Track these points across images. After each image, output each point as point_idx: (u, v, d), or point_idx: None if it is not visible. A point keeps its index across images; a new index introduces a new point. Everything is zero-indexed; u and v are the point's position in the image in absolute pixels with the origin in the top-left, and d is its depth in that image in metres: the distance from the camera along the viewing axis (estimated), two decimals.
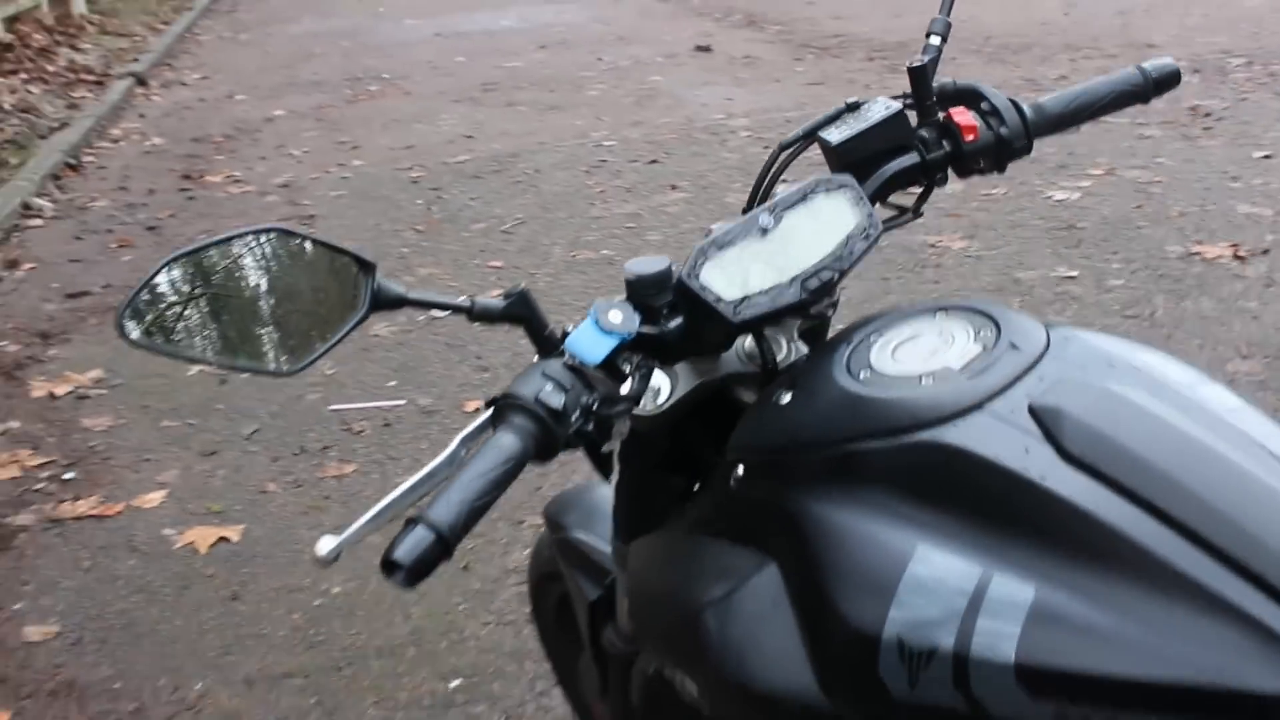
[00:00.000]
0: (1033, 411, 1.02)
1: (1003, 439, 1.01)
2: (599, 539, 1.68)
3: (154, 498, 3.30)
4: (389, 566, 0.94)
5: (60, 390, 3.95)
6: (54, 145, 6.41)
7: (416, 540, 0.95)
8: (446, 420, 3.48)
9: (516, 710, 2.43)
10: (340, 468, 3.33)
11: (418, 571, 0.95)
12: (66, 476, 3.45)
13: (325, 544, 0.99)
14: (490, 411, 1.07)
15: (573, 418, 1.05)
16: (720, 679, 1.12)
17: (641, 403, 1.24)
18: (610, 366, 1.12)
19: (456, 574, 2.84)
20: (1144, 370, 1.08)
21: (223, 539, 3.08)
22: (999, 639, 0.94)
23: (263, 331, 1.22)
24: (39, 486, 3.42)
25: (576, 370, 1.08)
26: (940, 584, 0.97)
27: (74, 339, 4.34)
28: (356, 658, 2.63)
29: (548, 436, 1.04)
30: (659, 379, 1.25)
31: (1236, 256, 4.24)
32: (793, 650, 1.06)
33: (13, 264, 5.10)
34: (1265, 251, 4.26)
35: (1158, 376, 1.07)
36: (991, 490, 0.99)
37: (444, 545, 0.96)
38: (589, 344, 1.10)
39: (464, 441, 1.07)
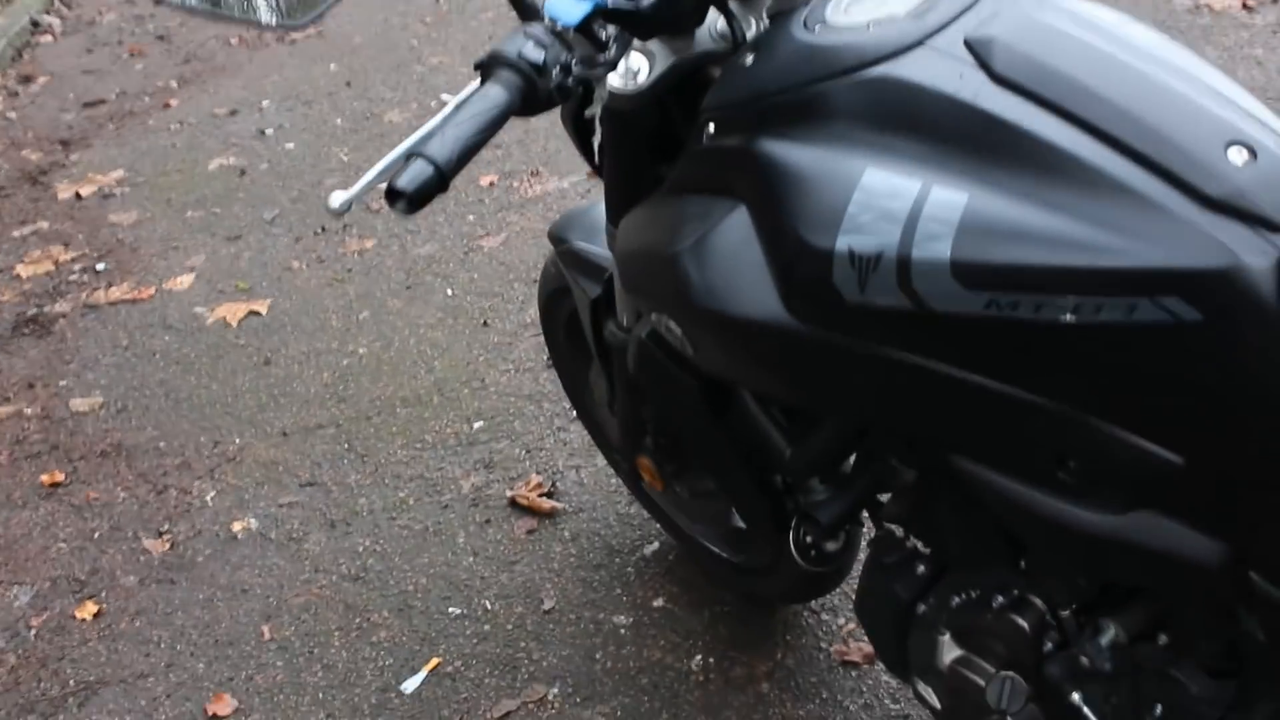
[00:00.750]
0: (968, 44, 1.11)
1: (940, 68, 1.10)
2: (599, 247, 1.78)
3: (183, 280, 3.42)
4: (393, 195, 1.05)
5: (85, 191, 4.05)
6: None
7: (417, 172, 1.06)
8: (463, 194, 3.55)
9: (536, 444, 2.57)
10: (361, 243, 3.43)
11: (418, 199, 1.06)
12: (99, 267, 3.57)
13: (336, 197, 1.11)
14: (479, 73, 1.16)
15: (553, 73, 1.14)
16: (699, 312, 1.23)
17: (623, 82, 1.32)
18: (588, 32, 1.20)
19: (477, 330, 2.97)
20: (1073, 9, 1.16)
21: (252, 312, 3.21)
22: (936, 240, 1.03)
23: None
24: (73, 278, 3.55)
25: (556, 32, 1.17)
26: (885, 198, 1.06)
27: (94, 144, 4.42)
28: (384, 408, 2.77)
29: (530, 88, 1.13)
30: (638, 60, 1.33)
31: (1245, 6, 4.20)
32: (760, 278, 1.16)
33: (28, 79, 5.15)
34: (1276, 0, 4.22)
35: (1086, 13, 1.15)
36: (930, 113, 1.08)
37: (440, 177, 1.07)
38: (566, 7, 1.18)
39: (458, 105, 1.16)
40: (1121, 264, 0.97)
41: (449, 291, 3.15)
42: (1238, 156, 0.99)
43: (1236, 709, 1.17)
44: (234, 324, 3.18)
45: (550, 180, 3.57)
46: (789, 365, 1.20)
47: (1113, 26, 1.14)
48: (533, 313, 2.98)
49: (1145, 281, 0.97)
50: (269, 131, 4.19)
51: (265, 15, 1.36)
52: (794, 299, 1.15)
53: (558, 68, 1.14)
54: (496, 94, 1.11)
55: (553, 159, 3.65)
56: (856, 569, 1.95)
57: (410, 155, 1.07)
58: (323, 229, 3.54)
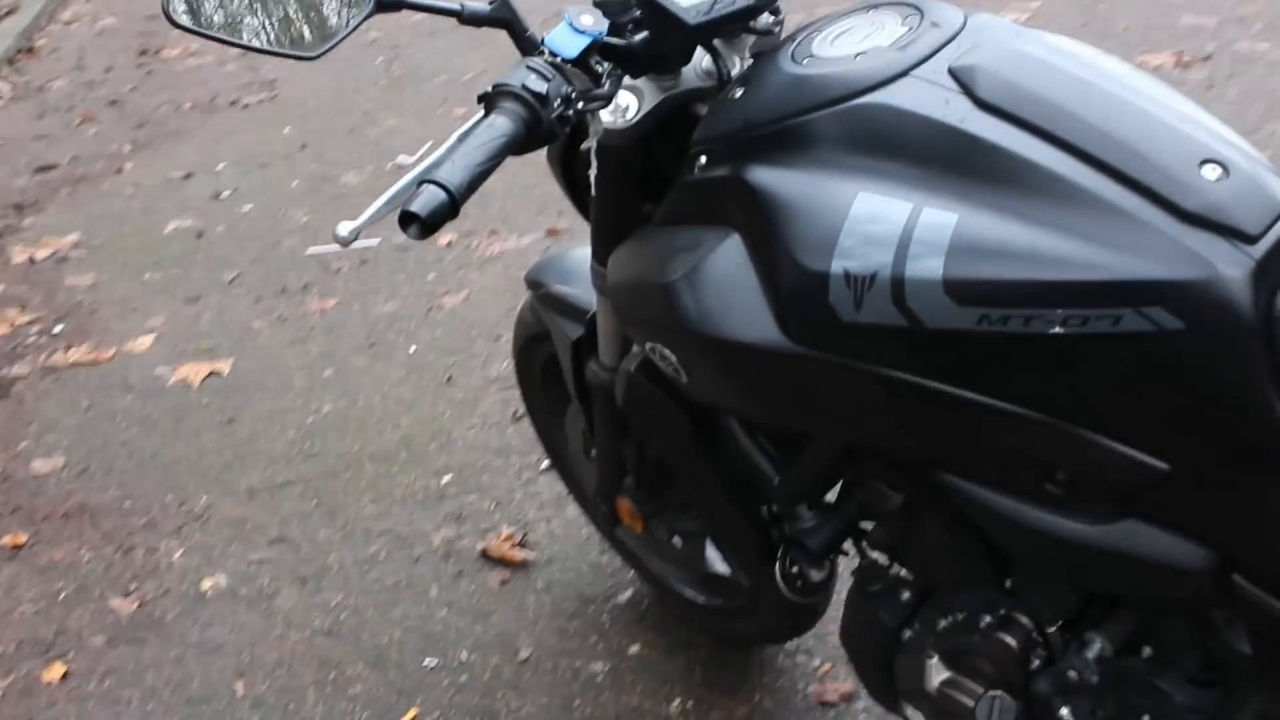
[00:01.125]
0: (952, 72, 1.17)
1: (927, 95, 1.16)
2: (577, 290, 1.82)
3: (143, 342, 3.41)
4: (406, 220, 1.08)
5: (41, 254, 4.03)
6: (4, 31, 6.37)
7: (430, 197, 1.09)
8: (421, 254, 3.59)
9: (505, 497, 2.59)
10: (322, 303, 3.44)
11: (431, 224, 1.09)
12: (56, 329, 3.56)
13: (344, 226, 1.14)
14: (482, 105, 1.20)
15: (555, 103, 1.19)
16: (695, 337, 1.27)
17: (614, 118, 1.37)
18: (585, 66, 1.25)
19: (441, 386, 2.99)
20: (1047, 40, 1.22)
21: (214, 373, 3.21)
22: (928, 259, 1.08)
23: (289, 24, 1.37)
24: (30, 340, 3.53)
25: (556, 65, 1.21)
26: (878, 220, 1.12)
27: (48, 208, 4.40)
28: (352, 464, 2.78)
29: (534, 118, 1.18)
30: (626, 97, 1.38)
31: (1179, 64, 4.35)
32: (755, 302, 1.21)
33: None
34: (1207, 58, 4.36)
35: (1060, 44, 1.22)
36: (918, 138, 1.14)
37: (452, 201, 1.10)
38: (565, 41, 1.24)
39: (460, 137, 1.20)
40: (1106, 277, 1.03)
41: (412, 349, 3.17)
42: (1211, 173, 1.06)
43: (1221, 716, 1.22)
44: (196, 384, 3.18)
45: (509, 239, 3.61)
46: (784, 387, 1.24)
47: (1086, 55, 1.21)
48: (497, 368, 3.02)
49: (1130, 293, 1.02)
50: (225, 194, 4.21)
51: (275, 44, 1.39)
52: (789, 321, 1.19)
53: (559, 99, 1.18)
54: (502, 123, 1.15)
55: (510, 218, 3.69)
56: (833, 619, 1.99)
57: (422, 182, 1.10)
58: (283, 289, 3.55)
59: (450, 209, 1.09)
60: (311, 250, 3.72)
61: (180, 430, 3.01)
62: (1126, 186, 1.06)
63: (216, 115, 4.96)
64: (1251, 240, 1.02)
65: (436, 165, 1.13)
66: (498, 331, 3.16)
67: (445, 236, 3.64)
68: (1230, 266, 1.01)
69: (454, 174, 1.10)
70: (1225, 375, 1.02)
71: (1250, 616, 1.11)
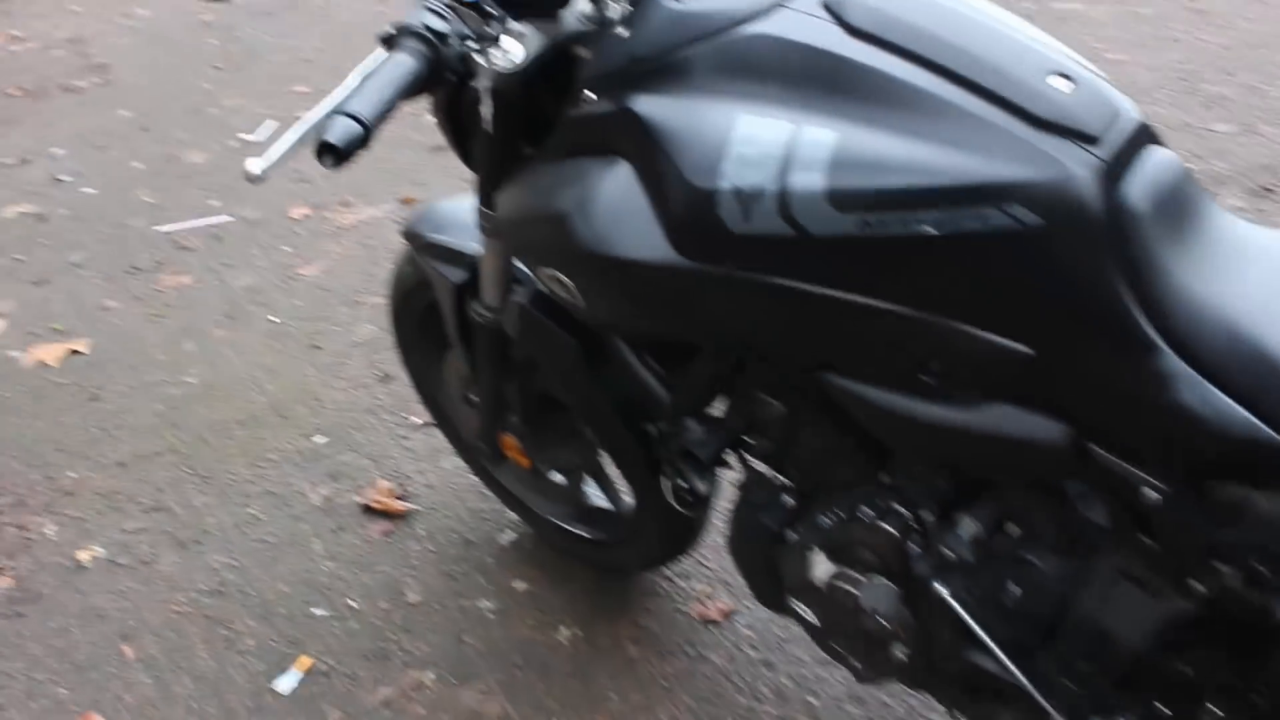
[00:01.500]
0: (824, 3, 1.28)
1: (801, 24, 1.28)
2: (455, 238, 1.89)
3: None
4: (322, 149, 1.15)
5: None
6: None
7: (344, 127, 1.16)
8: (274, 228, 3.59)
9: (381, 453, 2.64)
10: (177, 279, 3.42)
11: (346, 153, 1.17)
12: None
13: (254, 164, 1.21)
14: (384, 44, 1.27)
15: (452, 41, 1.26)
16: (593, 261, 1.36)
17: (501, 63, 1.45)
18: (476, 8, 1.33)
19: (307, 351, 3.02)
20: None
21: (72, 352, 3.17)
22: (811, 173, 1.20)
23: None
24: None
25: (452, 6, 1.29)
26: (761, 139, 1.22)
27: None
28: (221, 431, 2.80)
29: (436, 55, 1.25)
30: (512, 42, 1.45)
31: None
32: (648, 224, 1.31)
33: None
34: (1027, 18, 4.62)
35: None
36: (796, 63, 1.25)
37: (366, 131, 1.17)
38: None
39: (361, 75, 1.26)
40: (972, 180, 1.15)
41: (274, 319, 3.19)
42: (1059, 84, 1.19)
43: (1080, 578, 1.36)
44: (53, 364, 3.14)
45: (363, 209, 3.64)
46: (677, 301, 1.34)
47: None
48: (362, 332, 3.06)
49: (994, 193, 1.15)
50: (65, 178, 4.12)
51: None
52: (681, 237, 1.28)
53: (457, 38, 1.26)
54: (406, 60, 1.23)
55: (362, 189, 3.72)
56: (709, 551, 2.10)
57: (334, 114, 1.17)
58: (135, 269, 3.52)
59: (363, 138, 1.16)
60: (162, 228, 3.69)
61: (40, 410, 2.98)
62: (986, 99, 1.19)
63: (48, 100, 4.84)
64: (1096, 142, 1.15)
65: (347, 99, 1.19)
66: (358, 298, 3.20)
67: (298, 209, 3.66)
68: (1079, 166, 1.14)
69: (365, 105, 1.17)
70: (1079, 264, 1.15)
71: (1103, 480, 1.24)
